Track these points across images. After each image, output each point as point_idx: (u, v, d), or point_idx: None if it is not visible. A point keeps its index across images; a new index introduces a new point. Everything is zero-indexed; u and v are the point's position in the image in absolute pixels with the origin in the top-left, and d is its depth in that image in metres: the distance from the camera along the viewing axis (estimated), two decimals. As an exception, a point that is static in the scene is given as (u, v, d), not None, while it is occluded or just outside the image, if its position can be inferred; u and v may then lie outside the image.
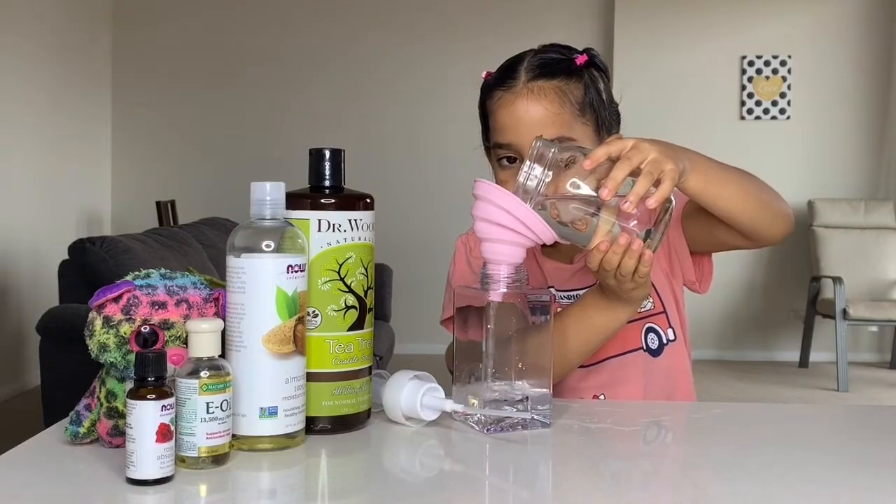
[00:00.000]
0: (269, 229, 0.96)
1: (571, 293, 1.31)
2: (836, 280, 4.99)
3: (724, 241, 1.23)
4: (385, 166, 5.84)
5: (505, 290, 1.03)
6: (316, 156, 1.03)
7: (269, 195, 0.96)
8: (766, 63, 5.71)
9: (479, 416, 1.03)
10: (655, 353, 1.30)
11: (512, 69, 1.27)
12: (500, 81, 1.28)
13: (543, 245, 1.23)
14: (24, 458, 0.94)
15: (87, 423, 0.95)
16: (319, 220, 1.00)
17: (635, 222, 1.03)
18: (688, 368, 1.35)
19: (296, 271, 0.95)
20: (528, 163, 1.04)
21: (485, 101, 1.31)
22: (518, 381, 1.04)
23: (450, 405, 1.02)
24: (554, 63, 1.26)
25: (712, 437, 1.09)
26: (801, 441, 1.07)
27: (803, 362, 5.51)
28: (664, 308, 1.32)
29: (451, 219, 5.86)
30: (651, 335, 1.31)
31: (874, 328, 5.62)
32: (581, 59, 1.27)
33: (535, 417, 1.03)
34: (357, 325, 1.02)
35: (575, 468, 0.95)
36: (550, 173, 1.04)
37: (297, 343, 0.96)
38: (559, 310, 1.25)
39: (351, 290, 1.01)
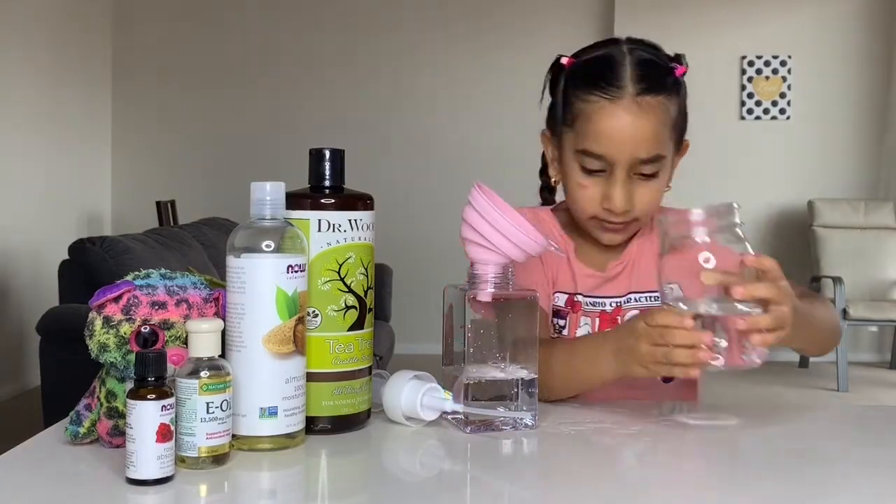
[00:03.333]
0: (269, 229, 0.96)
1: (596, 299, 1.31)
2: (836, 280, 4.99)
3: None
4: (385, 166, 5.84)
5: (493, 290, 1.03)
6: (316, 156, 1.03)
7: (269, 195, 0.96)
8: (766, 63, 5.71)
9: (463, 415, 1.03)
10: (667, 379, 1.26)
11: (615, 73, 1.21)
12: (600, 84, 1.21)
13: (576, 249, 1.27)
14: (24, 458, 0.94)
15: (87, 423, 0.95)
16: (319, 220, 1.00)
17: (726, 342, 1.02)
18: (696, 390, 1.34)
19: (296, 271, 0.95)
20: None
21: (570, 94, 1.24)
22: (507, 368, 1.04)
23: (449, 405, 1.02)
24: (659, 75, 1.23)
25: (711, 438, 1.09)
26: (801, 441, 1.07)
27: (803, 362, 5.51)
28: None
29: (452, 219, 5.86)
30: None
31: (874, 328, 5.62)
32: (680, 71, 1.26)
33: (522, 419, 1.03)
34: (357, 325, 1.02)
35: (570, 468, 0.95)
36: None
37: (297, 343, 0.96)
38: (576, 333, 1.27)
39: (351, 290, 1.01)
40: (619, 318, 1.29)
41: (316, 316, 1.00)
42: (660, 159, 1.22)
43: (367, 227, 1.03)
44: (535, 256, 1.05)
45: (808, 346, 1.27)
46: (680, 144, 1.29)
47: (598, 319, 1.30)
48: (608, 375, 1.13)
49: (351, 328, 1.01)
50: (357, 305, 1.01)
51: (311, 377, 0.99)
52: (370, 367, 1.05)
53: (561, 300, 1.31)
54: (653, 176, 1.23)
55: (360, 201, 1.03)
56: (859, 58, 5.72)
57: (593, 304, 1.31)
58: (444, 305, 1.08)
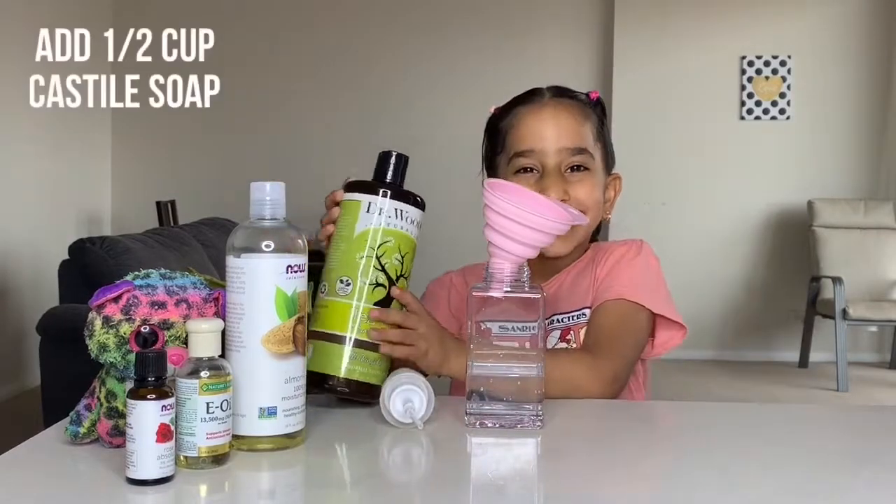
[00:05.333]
0: (268, 229, 0.96)
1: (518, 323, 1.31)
2: (836, 280, 4.99)
3: None
4: (385, 166, 5.84)
5: (508, 288, 1.04)
6: (382, 157, 1.15)
7: (268, 195, 0.96)
8: (766, 63, 5.71)
9: (467, 413, 1.03)
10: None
11: (533, 92, 1.36)
12: (520, 101, 1.35)
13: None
14: (24, 458, 0.94)
15: (87, 423, 0.95)
16: (369, 203, 1.09)
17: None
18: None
19: (295, 271, 0.96)
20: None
21: (497, 123, 1.37)
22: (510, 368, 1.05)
23: (419, 421, 1.02)
24: (572, 91, 1.36)
25: (711, 438, 1.09)
26: (801, 441, 1.07)
27: (803, 362, 5.50)
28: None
29: (452, 219, 5.86)
30: (562, 344, 1.32)
31: (874, 328, 5.62)
32: (594, 95, 1.37)
33: (528, 417, 1.03)
34: (383, 303, 1.08)
35: (571, 468, 0.95)
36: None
37: (297, 343, 0.96)
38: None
39: (383, 270, 1.08)
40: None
41: (348, 284, 1.08)
42: (585, 153, 1.31)
43: (412, 222, 1.11)
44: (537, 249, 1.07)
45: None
46: (609, 164, 1.37)
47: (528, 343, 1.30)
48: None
49: (376, 304, 1.07)
50: (386, 285, 1.08)
51: (330, 338, 1.06)
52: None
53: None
54: (584, 169, 1.31)
55: (410, 196, 1.12)
56: (859, 58, 5.72)
57: (523, 330, 1.30)
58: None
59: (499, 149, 1.37)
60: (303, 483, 0.94)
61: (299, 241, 0.97)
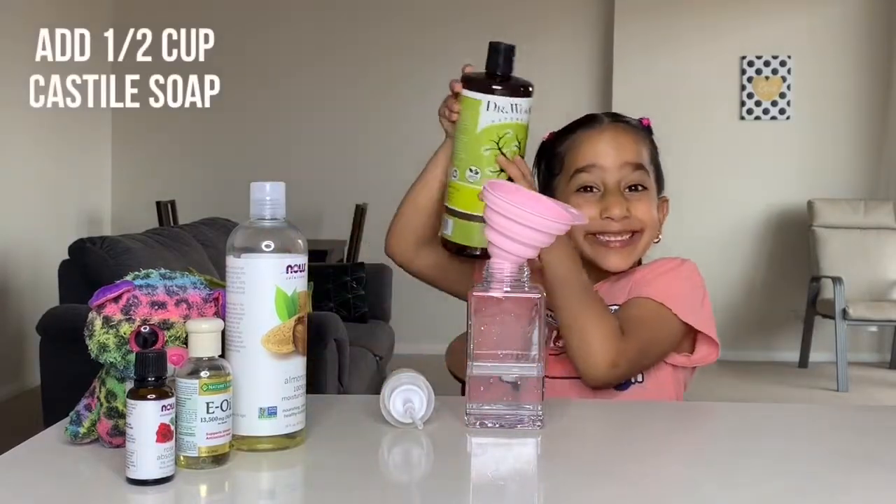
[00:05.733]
0: (268, 229, 0.96)
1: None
2: (836, 280, 4.99)
3: None
4: (385, 166, 5.83)
5: (508, 288, 1.04)
6: (493, 48, 1.23)
7: (268, 195, 0.96)
8: (766, 63, 5.71)
9: (467, 413, 1.04)
10: (620, 387, 1.29)
11: (590, 117, 1.43)
12: (579, 125, 1.42)
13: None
14: (24, 458, 0.94)
15: (87, 423, 0.95)
16: (488, 102, 1.21)
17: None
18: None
19: (295, 271, 0.96)
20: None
21: (554, 148, 1.43)
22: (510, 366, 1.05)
23: (419, 421, 1.02)
24: (625, 116, 1.44)
25: (711, 437, 1.09)
26: (801, 441, 1.07)
27: (803, 362, 5.50)
28: None
29: (451, 219, 5.86)
30: None
31: (874, 328, 5.61)
32: (646, 121, 1.45)
33: (528, 417, 1.03)
34: None
35: (571, 468, 0.95)
36: None
37: (297, 343, 0.96)
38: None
39: (505, 157, 1.23)
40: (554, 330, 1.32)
41: (476, 173, 1.23)
42: (643, 170, 1.37)
43: (524, 111, 1.24)
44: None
45: (559, 291, 1.21)
46: (660, 187, 1.42)
47: (555, 332, 1.31)
48: (438, 153, 1.38)
49: None
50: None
51: (467, 217, 1.23)
52: None
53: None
54: (643, 189, 1.37)
55: (521, 89, 1.23)
56: (859, 58, 5.72)
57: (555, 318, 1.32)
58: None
59: (556, 171, 1.41)
60: (303, 483, 0.94)
61: (299, 241, 0.97)
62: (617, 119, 1.41)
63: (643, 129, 1.43)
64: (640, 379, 1.31)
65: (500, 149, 1.22)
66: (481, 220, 1.13)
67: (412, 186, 1.45)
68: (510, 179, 1.22)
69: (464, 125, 1.24)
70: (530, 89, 1.24)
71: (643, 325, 1.26)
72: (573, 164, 1.37)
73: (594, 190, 1.35)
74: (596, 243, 1.34)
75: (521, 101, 1.23)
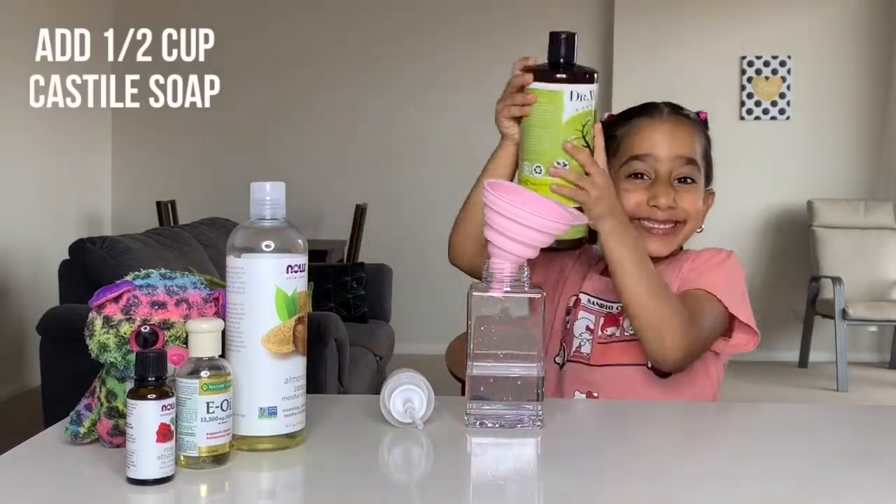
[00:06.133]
0: (269, 229, 0.96)
1: (604, 301, 1.39)
2: (836, 280, 4.99)
3: None
4: (385, 166, 5.84)
5: (508, 288, 1.04)
6: (554, 38, 1.23)
7: (269, 195, 0.96)
8: (766, 63, 5.70)
9: (467, 412, 1.04)
10: (663, 374, 1.32)
11: (651, 105, 1.45)
12: (639, 112, 1.44)
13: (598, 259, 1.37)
14: (24, 458, 0.94)
15: (87, 423, 0.95)
16: (571, 92, 1.20)
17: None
18: (705, 396, 1.38)
19: (295, 271, 0.96)
20: None
21: (612, 130, 1.42)
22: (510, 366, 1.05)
23: (419, 421, 1.02)
24: (685, 109, 1.47)
25: (711, 437, 1.09)
26: (801, 441, 1.07)
27: (803, 362, 5.50)
28: None
29: (451, 219, 5.85)
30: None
31: (874, 328, 5.61)
32: (703, 115, 1.48)
33: (528, 417, 1.03)
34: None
35: (571, 468, 0.95)
36: None
37: (297, 343, 0.96)
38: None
39: (588, 146, 1.22)
40: (620, 318, 1.35)
41: (564, 165, 1.21)
42: (694, 165, 1.39)
43: (595, 95, 1.24)
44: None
45: (626, 278, 1.24)
46: (708, 179, 1.46)
47: (602, 318, 1.37)
48: (500, 151, 1.41)
49: (587, 174, 1.21)
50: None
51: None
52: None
53: (570, 300, 1.41)
54: (691, 182, 1.39)
55: (593, 75, 1.23)
56: (859, 58, 5.71)
57: (600, 305, 1.39)
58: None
59: (611, 152, 1.42)
60: (303, 483, 0.94)
61: (299, 241, 0.97)
62: (677, 112, 1.44)
63: (699, 123, 1.46)
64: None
65: (584, 137, 1.21)
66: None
67: (473, 191, 1.43)
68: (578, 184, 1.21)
69: (542, 119, 1.22)
70: (597, 75, 1.24)
71: (703, 315, 1.31)
72: (629, 150, 1.39)
73: (644, 177, 1.38)
74: (639, 228, 1.37)
75: (595, 87, 1.24)
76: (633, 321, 1.25)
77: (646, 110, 1.44)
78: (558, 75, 1.21)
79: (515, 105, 1.26)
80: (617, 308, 1.37)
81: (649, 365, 1.32)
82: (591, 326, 1.37)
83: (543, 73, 1.22)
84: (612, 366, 1.34)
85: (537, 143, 1.23)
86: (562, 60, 1.22)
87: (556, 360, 1.40)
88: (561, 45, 1.22)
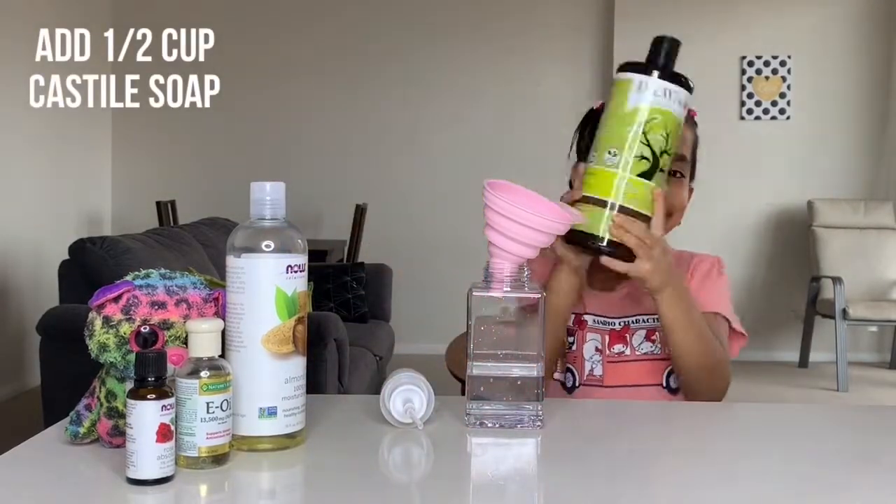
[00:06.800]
0: (269, 229, 0.96)
1: (606, 318, 1.40)
2: (836, 280, 4.99)
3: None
4: (385, 166, 5.84)
5: (508, 288, 1.04)
6: (656, 41, 1.20)
7: (269, 195, 0.96)
8: (766, 63, 5.71)
9: (467, 412, 1.04)
10: (674, 391, 1.37)
11: None
12: None
13: (588, 274, 1.34)
14: (24, 458, 0.94)
15: (87, 423, 0.95)
16: (640, 82, 1.16)
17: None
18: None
19: (295, 271, 0.95)
20: None
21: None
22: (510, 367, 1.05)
23: (419, 421, 1.02)
24: None
25: (711, 437, 1.09)
26: (801, 441, 1.07)
27: (803, 362, 5.50)
28: None
29: (452, 219, 5.85)
30: (672, 376, 1.38)
31: (874, 328, 5.61)
32: (694, 113, 1.46)
33: (528, 417, 1.03)
34: (645, 175, 1.15)
35: (571, 468, 0.95)
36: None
37: (297, 343, 0.96)
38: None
39: (648, 144, 1.15)
40: (626, 335, 1.37)
41: (615, 155, 1.15)
42: (685, 161, 1.41)
43: (679, 102, 1.17)
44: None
45: (685, 342, 1.26)
46: (692, 176, 1.48)
47: (607, 336, 1.38)
48: (563, 284, 1.28)
49: (641, 175, 1.15)
50: (650, 158, 1.15)
51: (596, 202, 1.15)
52: (649, 217, 1.17)
53: (569, 319, 1.39)
54: (680, 176, 1.40)
55: (679, 77, 1.17)
56: (859, 58, 5.72)
57: (603, 323, 1.39)
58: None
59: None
60: (303, 483, 0.94)
61: (299, 241, 0.97)
62: None
63: (690, 120, 1.46)
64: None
65: (645, 133, 1.15)
66: (619, 209, 1.14)
67: None
68: (651, 172, 1.15)
69: (611, 109, 1.19)
70: (689, 83, 1.19)
71: (724, 340, 1.38)
72: None
73: None
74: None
75: (676, 90, 1.17)
76: (685, 373, 1.29)
77: None
78: (634, 65, 1.18)
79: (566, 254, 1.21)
80: (620, 324, 1.38)
81: (664, 384, 1.35)
82: (600, 346, 1.38)
83: (625, 64, 1.20)
84: (627, 387, 1.36)
85: (601, 130, 1.20)
86: (656, 60, 1.18)
87: (556, 376, 1.39)
88: (658, 46, 1.19)
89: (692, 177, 1.48)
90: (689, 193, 1.48)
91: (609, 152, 1.15)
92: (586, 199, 1.17)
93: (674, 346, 1.27)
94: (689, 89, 1.18)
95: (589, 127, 1.45)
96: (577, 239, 1.17)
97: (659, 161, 1.16)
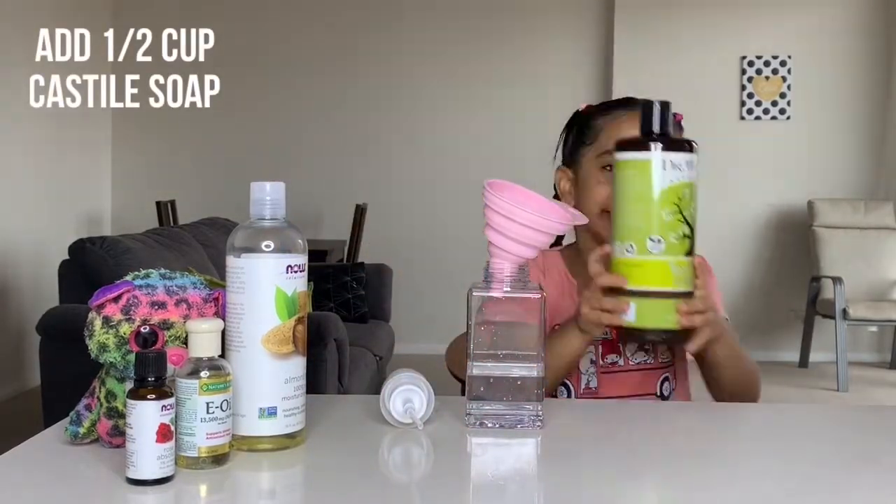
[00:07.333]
0: (268, 229, 0.96)
1: (608, 329, 1.37)
2: (836, 280, 4.99)
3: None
4: (385, 166, 5.84)
5: (508, 288, 1.04)
6: (646, 106, 1.15)
7: (269, 195, 0.96)
8: (766, 63, 5.71)
9: (467, 412, 1.04)
10: (666, 397, 1.40)
11: (631, 99, 1.43)
12: (619, 105, 1.43)
13: (579, 286, 1.35)
14: (24, 458, 0.94)
15: (87, 423, 0.95)
16: (664, 160, 1.12)
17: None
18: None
19: (295, 271, 0.95)
20: None
21: (590, 120, 1.44)
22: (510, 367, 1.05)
23: (419, 421, 1.02)
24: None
25: (711, 437, 1.09)
26: (801, 441, 1.07)
27: (803, 362, 5.50)
28: (674, 361, 1.43)
29: (451, 219, 5.85)
30: (665, 384, 1.40)
31: (874, 328, 5.61)
32: (679, 117, 1.45)
33: (528, 417, 1.03)
34: (689, 252, 1.14)
35: (571, 468, 0.95)
36: None
37: (297, 343, 0.96)
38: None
39: (686, 222, 1.13)
40: (619, 345, 1.37)
41: (659, 242, 1.11)
42: None
43: (693, 167, 1.15)
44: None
45: (730, 371, 1.30)
46: None
47: (601, 347, 1.38)
48: (576, 345, 1.25)
49: (686, 254, 1.13)
50: (690, 234, 1.14)
51: (656, 295, 1.12)
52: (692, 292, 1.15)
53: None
54: None
55: (689, 144, 1.16)
56: (859, 58, 5.72)
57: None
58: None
59: (588, 141, 1.42)
60: (303, 483, 0.94)
61: (299, 241, 0.97)
62: None
63: (678, 127, 1.44)
64: (674, 386, 1.41)
65: (681, 211, 1.12)
66: (675, 295, 1.11)
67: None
68: (692, 248, 1.14)
69: (633, 192, 1.12)
70: (695, 146, 1.18)
71: None
72: (608, 141, 1.36)
73: None
74: (605, 221, 1.35)
75: (693, 158, 1.16)
76: (726, 397, 1.31)
77: (627, 103, 1.42)
78: (647, 142, 1.13)
79: (605, 311, 1.15)
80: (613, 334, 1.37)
81: (657, 392, 1.37)
82: (594, 358, 1.37)
83: (633, 142, 1.15)
84: (622, 397, 1.36)
85: (628, 218, 1.13)
86: (653, 129, 1.14)
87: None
88: (650, 113, 1.14)
89: None
90: None
91: (651, 239, 1.11)
92: (638, 294, 1.12)
93: (718, 379, 1.31)
94: (695, 150, 1.18)
95: (575, 129, 1.46)
96: (634, 336, 1.15)
97: (695, 232, 1.15)
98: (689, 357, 1.40)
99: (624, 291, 1.12)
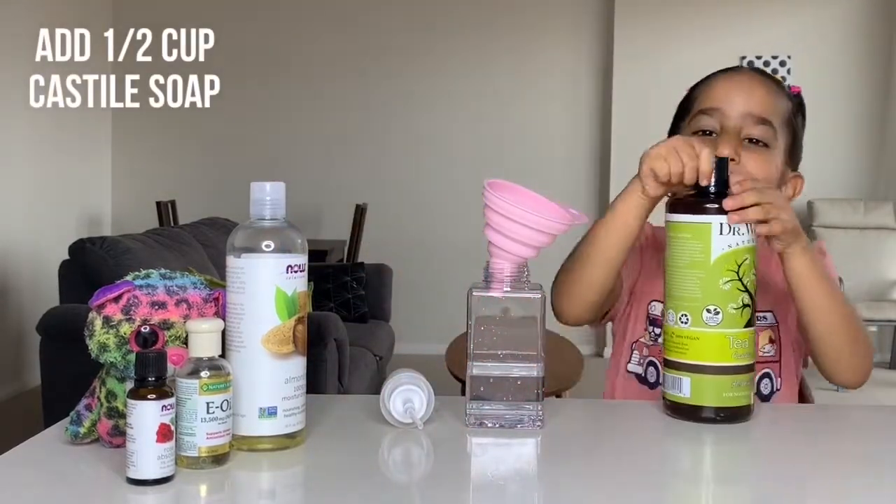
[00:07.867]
0: (268, 229, 0.96)
1: None
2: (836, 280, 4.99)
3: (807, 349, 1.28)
4: (385, 166, 5.84)
5: (508, 288, 1.04)
6: (719, 167, 1.07)
7: (269, 195, 0.96)
8: (766, 63, 5.71)
9: (467, 412, 1.04)
10: (766, 398, 1.29)
11: (733, 67, 1.35)
12: (720, 71, 1.33)
13: None
14: (24, 458, 0.94)
15: (87, 423, 0.95)
16: (721, 224, 1.05)
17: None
18: None
19: (295, 271, 0.95)
20: None
21: (691, 92, 1.34)
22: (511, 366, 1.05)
23: (419, 421, 1.02)
24: (772, 75, 1.34)
25: (711, 437, 1.09)
26: (801, 441, 1.07)
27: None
28: (781, 357, 1.32)
29: (451, 219, 5.85)
30: (765, 381, 1.30)
31: (874, 328, 5.61)
32: (795, 89, 1.34)
33: (528, 417, 1.03)
34: (749, 322, 1.07)
35: (571, 468, 0.95)
36: None
37: (297, 343, 0.96)
38: None
39: (747, 290, 1.06)
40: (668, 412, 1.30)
41: (717, 313, 1.05)
42: (769, 126, 1.26)
43: (753, 231, 1.06)
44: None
45: (825, 305, 1.15)
46: (794, 160, 1.32)
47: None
48: (630, 201, 1.16)
49: (746, 325, 1.06)
50: (750, 304, 1.07)
51: (712, 370, 1.05)
52: (754, 364, 1.10)
53: (658, 309, 1.31)
54: (763, 145, 1.26)
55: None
56: (859, 58, 5.72)
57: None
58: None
59: (686, 114, 1.33)
60: (303, 483, 0.94)
61: (299, 241, 0.97)
62: (759, 71, 1.33)
63: (787, 93, 1.32)
64: (779, 387, 1.31)
65: (741, 279, 1.05)
66: (734, 370, 1.05)
67: (590, 239, 1.22)
68: (753, 318, 1.07)
69: (688, 257, 1.06)
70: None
71: None
72: (699, 104, 1.29)
73: (712, 135, 1.26)
74: None
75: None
76: (822, 343, 1.20)
77: (726, 69, 1.33)
78: (707, 205, 1.06)
79: (684, 154, 1.07)
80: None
81: (755, 391, 1.26)
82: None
83: (689, 204, 1.07)
84: None
85: (682, 286, 1.07)
86: (712, 188, 1.06)
87: (631, 368, 1.33)
88: (718, 171, 1.07)
89: (795, 163, 1.33)
90: (796, 182, 1.34)
91: (708, 310, 1.05)
92: (691, 368, 1.06)
93: (813, 324, 1.16)
94: None
95: (677, 110, 1.36)
96: (684, 412, 1.07)
97: (755, 301, 1.08)
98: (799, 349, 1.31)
99: (673, 363, 1.07)
